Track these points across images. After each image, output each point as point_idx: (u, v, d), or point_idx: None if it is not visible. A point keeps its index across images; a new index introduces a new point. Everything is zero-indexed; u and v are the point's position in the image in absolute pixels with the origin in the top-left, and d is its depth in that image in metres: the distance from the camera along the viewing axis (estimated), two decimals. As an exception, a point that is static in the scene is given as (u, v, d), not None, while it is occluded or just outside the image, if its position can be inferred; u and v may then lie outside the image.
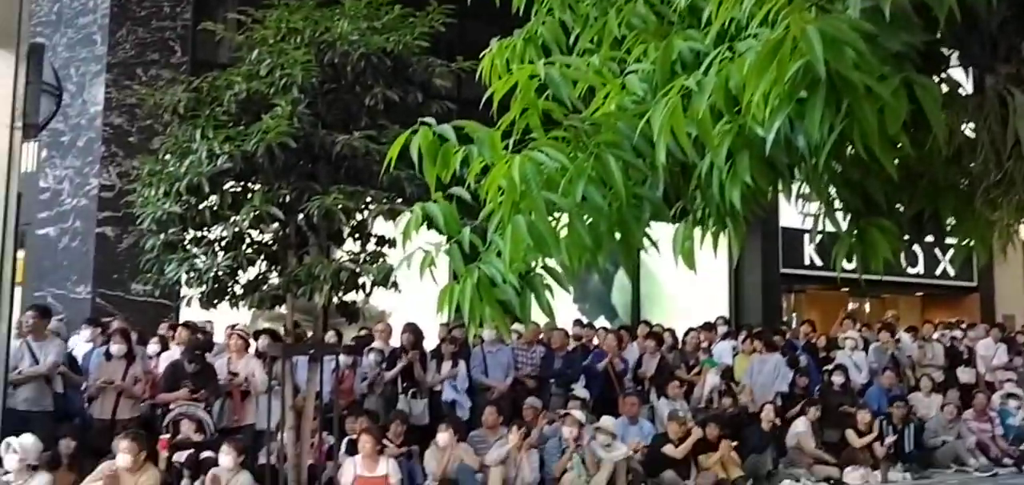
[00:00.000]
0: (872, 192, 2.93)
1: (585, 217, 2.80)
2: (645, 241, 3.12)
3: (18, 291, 9.24)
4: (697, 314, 15.64)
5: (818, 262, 17.38)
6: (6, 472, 7.01)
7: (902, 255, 3.48)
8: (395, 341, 10.63)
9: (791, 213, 14.18)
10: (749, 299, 16.91)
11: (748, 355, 12.51)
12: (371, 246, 8.42)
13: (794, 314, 18.04)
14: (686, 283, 15.56)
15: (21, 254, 9.74)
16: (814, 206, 3.42)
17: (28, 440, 7.15)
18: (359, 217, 8.26)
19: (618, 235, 2.97)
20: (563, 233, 2.82)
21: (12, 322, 7.96)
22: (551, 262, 2.91)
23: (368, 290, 8.12)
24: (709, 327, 13.76)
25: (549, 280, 2.96)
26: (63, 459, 7.91)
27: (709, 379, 11.77)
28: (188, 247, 7.93)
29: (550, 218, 2.73)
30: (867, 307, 19.58)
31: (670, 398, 11.18)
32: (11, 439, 7.11)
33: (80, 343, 9.86)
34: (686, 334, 13.01)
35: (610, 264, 15.24)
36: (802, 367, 12.64)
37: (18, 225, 7.77)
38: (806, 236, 17.04)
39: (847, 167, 2.90)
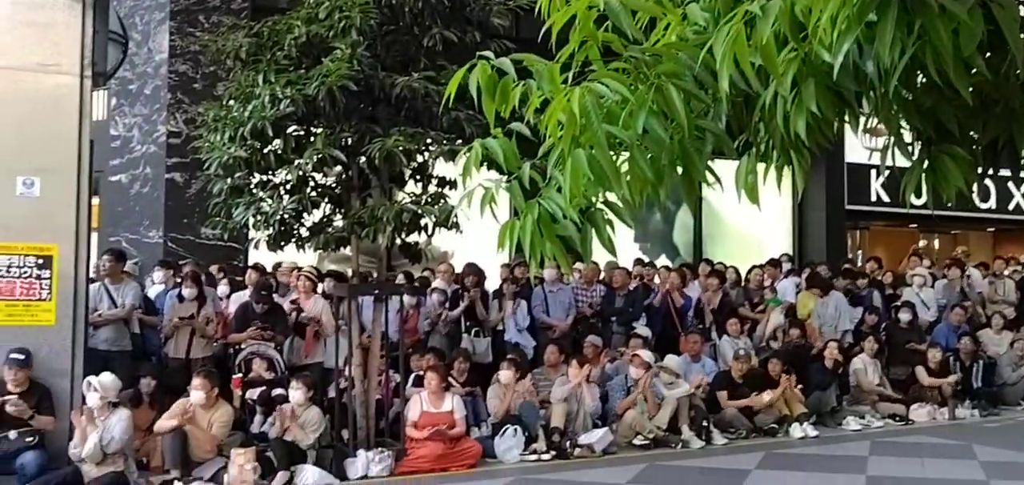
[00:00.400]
0: (944, 119, 2.83)
1: (646, 150, 2.77)
2: (708, 175, 3.08)
3: (94, 236, 9.56)
4: (760, 252, 15.48)
5: (885, 198, 17.03)
6: (88, 408, 7.29)
7: (974, 188, 3.37)
8: (457, 281, 10.74)
9: (857, 148, 13.99)
10: (813, 236, 16.66)
11: (811, 293, 12.35)
12: (432, 187, 8.49)
13: (860, 251, 17.71)
14: (749, 220, 15.45)
15: (96, 200, 10.02)
16: (881, 142, 3.33)
17: (107, 378, 7.43)
18: (420, 159, 8.32)
19: (680, 169, 2.93)
20: (624, 167, 2.79)
21: (90, 266, 8.25)
22: (612, 197, 2.89)
23: (430, 231, 8.20)
24: (773, 264, 13.61)
25: (610, 215, 2.94)
26: (144, 397, 8.21)
27: (773, 318, 11.66)
28: (254, 191, 8.08)
29: (611, 152, 2.70)
30: (936, 243, 19.13)
31: (732, 336, 11.12)
32: (91, 378, 7.40)
33: (154, 285, 10.15)
34: (750, 272, 12.88)
35: (671, 202, 15.12)
36: (870, 305, 12.48)
37: (92, 172, 8.01)
38: (873, 171, 16.70)
39: (918, 94, 2.81)
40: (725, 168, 3.15)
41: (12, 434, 7.16)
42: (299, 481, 7.59)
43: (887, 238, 18.18)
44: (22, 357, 7.26)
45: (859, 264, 15.72)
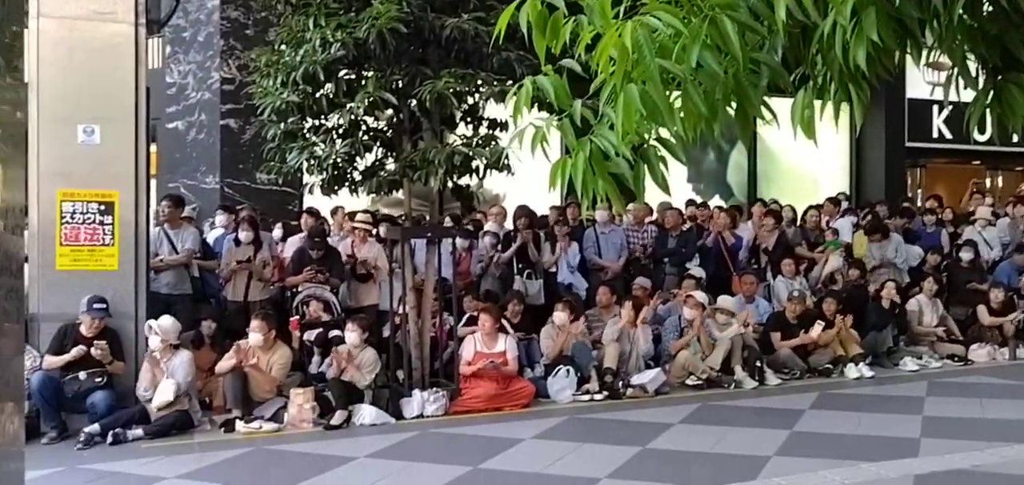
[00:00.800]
0: (1011, 47, 2.74)
1: (700, 85, 2.72)
2: (763, 111, 3.02)
3: (153, 183, 9.76)
4: (816, 191, 15.24)
5: (947, 134, 16.60)
6: (152, 351, 7.52)
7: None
8: (509, 224, 10.77)
9: (918, 82, 13.61)
10: (871, 175, 16.33)
11: (869, 233, 12.14)
12: (483, 129, 8.48)
13: (919, 190, 17.31)
14: (805, 159, 15.19)
15: (153, 148, 10.21)
16: (943, 75, 3.23)
17: (167, 322, 7.63)
18: (471, 100, 8.31)
19: (734, 103, 2.88)
20: (677, 103, 2.75)
21: (150, 212, 8.44)
22: (664, 133, 2.86)
23: (481, 173, 8.20)
24: (832, 203, 13.40)
25: (663, 152, 2.91)
26: (205, 339, 8.42)
27: (831, 261, 11.49)
28: (307, 135, 8.15)
29: (664, 87, 2.66)
30: (999, 181, 18.60)
31: (787, 277, 10.99)
32: (151, 321, 7.61)
33: (215, 230, 10.33)
34: (806, 212, 12.69)
35: (725, 141, 14.92)
36: (930, 244, 12.23)
37: (149, 119, 8.16)
38: (934, 107, 16.25)
39: (984, 21, 2.72)
40: (781, 105, 3.10)
41: (82, 375, 7.42)
42: (356, 420, 7.74)
43: (948, 176, 17.74)
44: (104, 306, 7.50)
45: (918, 203, 15.39)
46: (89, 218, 7.69)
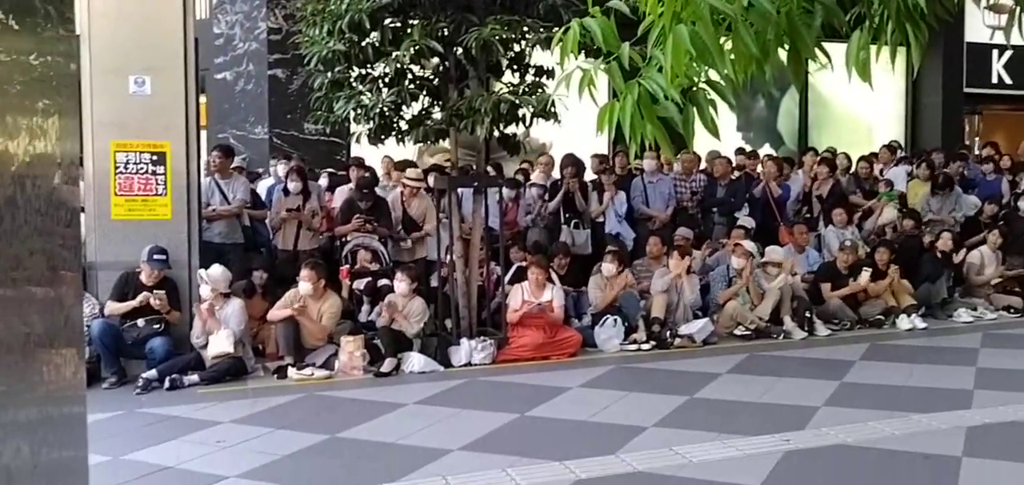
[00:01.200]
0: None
1: (751, 25, 2.66)
2: (817, 53, 2.95)
3: (203, 134, 9.89)
4: (870, 139, 14.93)
5: (1007, 79, 16.11)
6: (203, 299, 7.67)
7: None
8: (556, 173, 10.72)
9: (977, 26, 13.22)
10: (927, 121, 15.95)
11: (924, 182, 11.88)
12: (529, 77, 8.42)
13: (977, 138, 16.86)
14: (859, 105, 14.86)
15: (203, 98, 10.32)
16: (1004, 18, 3.12)
17: (216, 271, 7.76)
18: (517, 48, 8.24)
19: (787, 45, 2.82)
20: (727, 44, 2.70)
21: (201, 162, 8.55)
22: (714, 76, 2.80)
23: (528, 122, 8.16)
24: (889, 150, 13.12)
25: (713, 95, 2.86)
26: (257, 288, 8.56)
27: (886, 213, 11.28)
28: (354, 84, 8.16)
29: (714, 28, 2.61)
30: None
31: (839, 226, 10.81)
32: (201, 271, 7.75)
33: (266, 179, 10.43)
34: (859, 160, 12.44)
35: (776, 88, 14.64)
36: (990, 193, 11.92)
37: (198, 70, 8.24)
38: (994, 51, 15.76)
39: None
40: (835, 50, 3.02)
41: (141, 323, 7.61)
42: (405, 367, 7.84)
43: (1007, 123, 17.23)
44: (164, 257, 7.66)
45: (975, 150, 15.00)
46: (142, 168, 7.82)
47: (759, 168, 11.69)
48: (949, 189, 11.61)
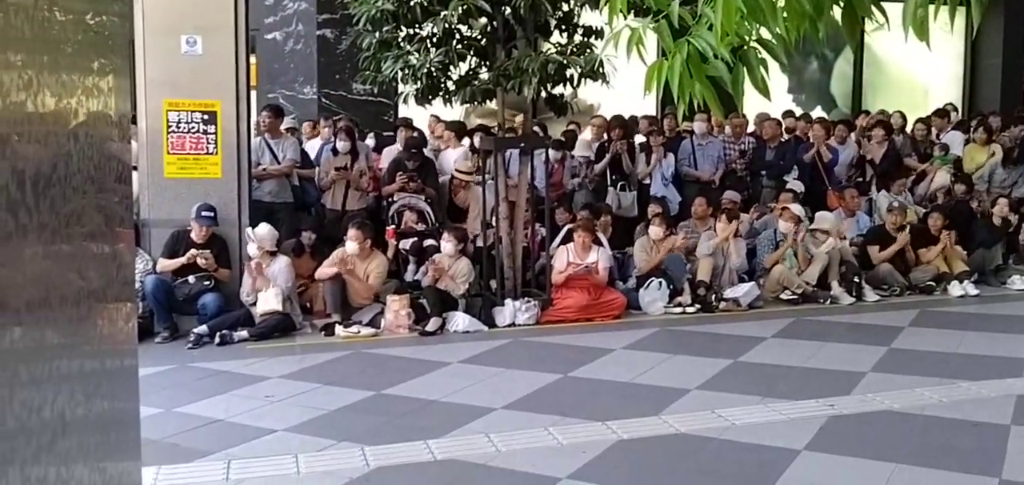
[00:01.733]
0: None
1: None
2: (874, 12, 2.87)
3: (253, 93, 9.98)
4: (926, 102, 14.59)
5: (1073, 41, 15.58)
6: (251, 258, 7.79)
7: None
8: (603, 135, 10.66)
9: (1042, -17, 12.45)
10: (986, 84, 15.50)
11: (981, 146, 11.58)
12: (578, 37, 8.35)
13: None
14: (915, 66, 14.50)
15: (252, 58, 10.40)
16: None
17: (263, 229, 7.86)
18: (565, 8, 8.17)
19: (842, 2, 2.75)
20: (780, 2, 2.64)
21: (251, 122, 8.64)
22: (766, 34, 2.75)
23: (575, 82, 8.10)
24: (940, 114, 12.80)
25: (764, 54, 2.81)
26: (305, 247, 8.66)
27: (938, 177, 11.03)
28: (402, 44, 8.16)
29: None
30: None
31: (890, 192, 10.59)
32: (248, 229, 7.86)
33: (316, 140, 10.50)
34: (916, 122, 12.17)
35: (829, 48, 14.34)
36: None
37: (248, 30, 8.29)
38: (1060, 11, 15.23)
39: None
40: (891, 10, 2.94)
41: (191, 279, 7.76)
42: (450, 327, 7.90)
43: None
44: (212, 214, 7.79)
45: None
46: (193, 127, 7.93)
47: (810, 133, 11.48)
48: (1013, 163, 11.30)
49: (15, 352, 1.24)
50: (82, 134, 1.49)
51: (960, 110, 14.57)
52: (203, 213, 7.76)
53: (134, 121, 7.67)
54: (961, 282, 9.52)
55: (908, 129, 12.16)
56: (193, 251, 7.71)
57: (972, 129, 12.18)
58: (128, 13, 2.09)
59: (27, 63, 1.28)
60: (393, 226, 8.95)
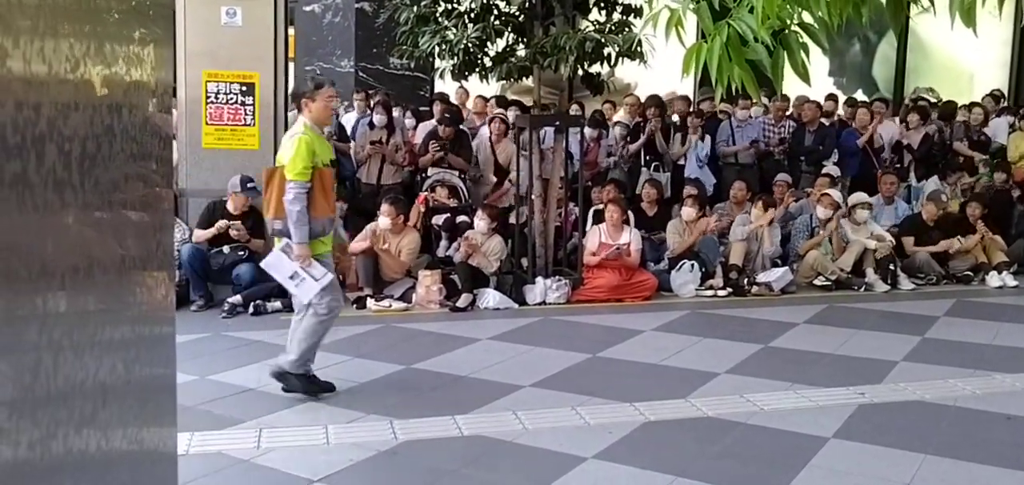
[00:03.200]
0: None
1: (848, -33, 2.57)
2: (917, -3, 2.82)
3: (291, 65, 10.03)
4: (971, 89, 14.33)
5: (1122, 29, 15.19)
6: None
7: None
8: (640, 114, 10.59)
9: (1093, -32, 12.17)
10: (1034, 72, 15.18)
11: (1027, 134, 11.37)
12: (617, 15, 8.29)
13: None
14: (961, 50, 14.22)
15: (291, 30, 10.45)
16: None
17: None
18: (605, -15, 8.12)
19: (885, -12, 2.71)
20: (823, -14, 2.61)
21: (288, 93, 8.69)
22: (808, 18, 2.71)
23: (613, 61, 8.06)
24: (994, 99, 12.56)
25: (805, 38, 2.77)
26: (339, 220, 8.71)
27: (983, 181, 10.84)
28: (439, 19, 8.16)
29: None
30: None
31: (943, 181, 10.41)
32: (284, 201, 7.90)
33: (352, 114, 10.54)
34: (961, 107, 11.97)
35: (872, 31, 14.11)
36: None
37: (287, 2, 8.33)
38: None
39: None
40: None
41: (226, 249, 7.84)
42: (481, 303, 7.92)
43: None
44: (256, 186, 7.85)
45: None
46: (232, 98, 8.00)
47: (855, 121, 11.24)
48: None
49: (59, 319, 1.27)
50: (124, 104, 1.51)
51: (1008, 97, 14.29)
52: (248, 185, 7.81)
53: (174, 92, 7.75)
54: (999, 272, 9.37)
55: (957, 115, 11.92)
56: (224, 222, 7.78)
57: (1019, 117, 11.94)
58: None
59: (72, 32, 1.29)
60: (426, 193, 8.94)
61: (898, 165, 10.89)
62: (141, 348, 1.63)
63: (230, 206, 7.88)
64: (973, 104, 12.34)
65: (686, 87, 11.67)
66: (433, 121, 10.05)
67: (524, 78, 8.58)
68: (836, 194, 9.30)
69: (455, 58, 8.03)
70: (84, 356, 1.35)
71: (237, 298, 7.54)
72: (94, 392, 1.38)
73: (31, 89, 1.16)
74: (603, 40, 7.85)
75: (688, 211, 8.98)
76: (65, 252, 1.28)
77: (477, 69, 8.25)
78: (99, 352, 1.41)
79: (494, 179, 9.47)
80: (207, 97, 7.94)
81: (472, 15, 8.07)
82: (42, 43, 1.19)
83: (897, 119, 11.58)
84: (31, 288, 1.18)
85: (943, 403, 5.51)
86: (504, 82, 9.20)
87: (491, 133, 9.54)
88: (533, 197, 8.41)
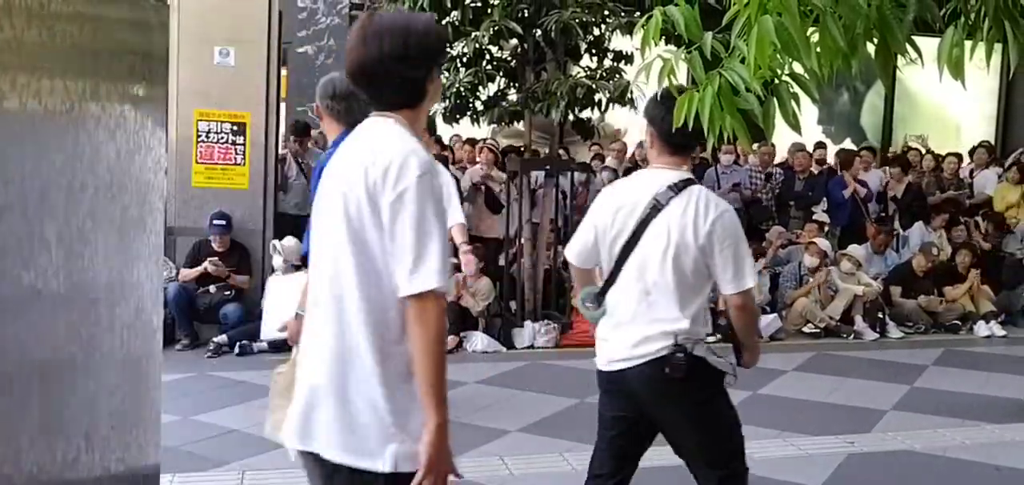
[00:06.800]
0: None
1: (840, 18, 2.58)
2: (908, 48, 2.84)
3: (282, 106, 10.04)
4: (958, 138, 14.48)
5: (1109, 82, 15.40)
6: (274, 270, 7.81)
7: None
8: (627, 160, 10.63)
9: (1080, 24, 12.30)
10: (1021, 122, 15.34)
11: (1014, 186, 11.45)
12: (608, 62, 8.36)
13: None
14: (948, 101, 14.38)
15: (284, 71, 10.47)
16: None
17: (290, 242, 7.87)
18: (597, 32, 8.18)
19: (875, 39, 2.73)
20: (814, 37, 2.62)
21: (279, 134, 8.69)
22: (798, 69, 2.73)
23: (603, 106, 8.11)
24: (989, 150, 12.69)
25: (795, 88, 2.78)
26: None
27: None
28: (431, 63, 8.18)
29: (801, 20, 2.53)
30: None
31: (927, 227, 10.48)
32: (275, 242, 7.89)
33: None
34: (943, 159, 12.08)
35: (861, 81, 14.27)
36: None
37: (281, 43, 8.37)
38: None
39: None
40: (924, 44, 2.91)
41: (212, 289, 7.80)
42: (468, 346, 7.89)
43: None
44: (223, 223, 7.83)
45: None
46: (223, 137, 8.00)
47: (846, 173, 11.28)
48: None
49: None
50: (118, 140, 1.50)
51: (996, 149, 14.44)
52: (215, 221, 7.79)
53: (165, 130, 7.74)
54: (988, 322, 9.41)
55: (940, 165, 12.03)
56: (209, 262, 7.75)
57: (1005, 168, 12.06)
58: (166, 23, 2.11)
59: (69, 71, 1.29)
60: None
61: (883, 214, 10.96)
62: (127, 385, 1.61)
63: (215, 245, 7.84)
64: (953, 154, 12.46)
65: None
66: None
67: (515, 122, 8.61)
68: (824, 243, 9.34)
69: (447, 101, 8.06)
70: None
71: (223, 337, 7.48)
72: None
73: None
74: (594, 86, 7.90)
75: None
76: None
77: (469, 112, 8.28)
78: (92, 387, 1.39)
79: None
80: (198, 135, 7.94)
81: (465, 60, 8.12)
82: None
83: (885, 168, 11.67)
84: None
85: (933, 453, 5.49)
86: (495, 126, 9.22)
87: (482, 163, 9.54)
88: (523, 240, 8.41)
